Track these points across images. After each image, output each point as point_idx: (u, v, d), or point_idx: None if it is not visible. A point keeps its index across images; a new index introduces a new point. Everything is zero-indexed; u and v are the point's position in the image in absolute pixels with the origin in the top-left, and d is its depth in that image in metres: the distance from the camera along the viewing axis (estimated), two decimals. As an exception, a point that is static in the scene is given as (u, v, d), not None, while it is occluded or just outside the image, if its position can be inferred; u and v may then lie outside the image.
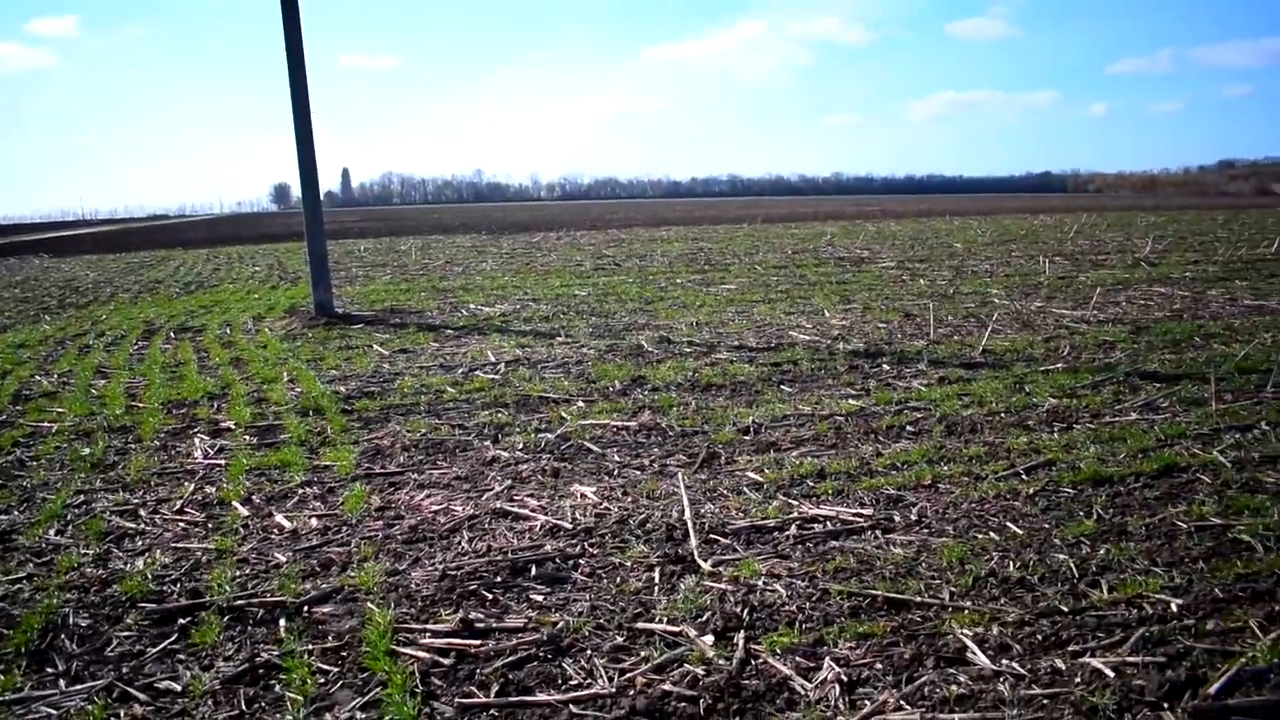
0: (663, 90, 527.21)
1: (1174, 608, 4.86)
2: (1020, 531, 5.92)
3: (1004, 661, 4.39)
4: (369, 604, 5.17)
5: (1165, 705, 3.94)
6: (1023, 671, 4.28)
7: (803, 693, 4.20)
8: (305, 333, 15.07)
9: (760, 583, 5.29)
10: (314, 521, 6.56)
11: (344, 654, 4.67)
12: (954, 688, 4.17)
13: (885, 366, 10.91)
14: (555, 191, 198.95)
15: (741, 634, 4.69)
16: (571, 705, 4.17)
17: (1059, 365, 10.65)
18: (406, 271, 25.32)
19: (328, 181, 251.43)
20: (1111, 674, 4.21)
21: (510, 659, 4.57)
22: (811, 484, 6.89)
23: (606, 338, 13.36)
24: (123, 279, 27.11)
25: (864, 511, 6.28)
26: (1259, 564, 5.37)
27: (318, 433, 8.86)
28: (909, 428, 8.32)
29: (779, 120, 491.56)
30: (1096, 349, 11.73)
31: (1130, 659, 4.33)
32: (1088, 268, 22.30)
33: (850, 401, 9.23)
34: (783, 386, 10.06)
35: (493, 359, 11.99)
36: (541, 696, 4.24)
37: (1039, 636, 4.61)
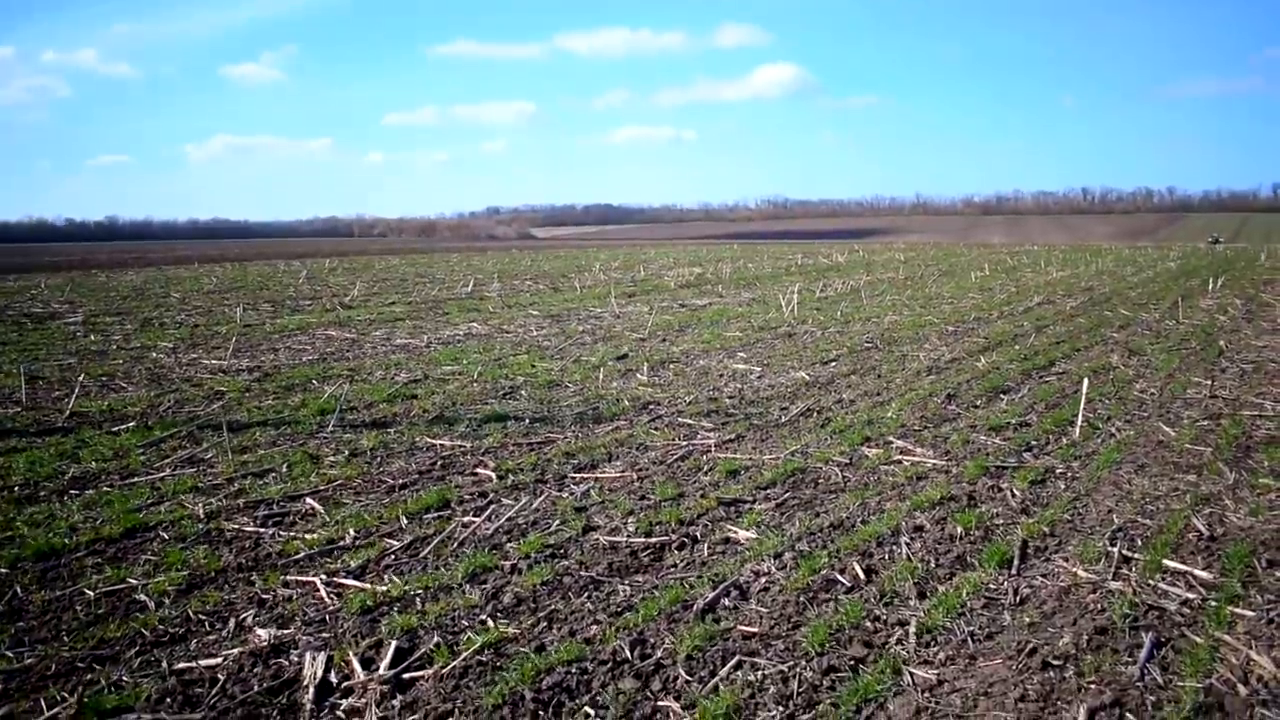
0: None
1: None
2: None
3: None
4: None
5: None
6: None
7: None
8: None
9: None
10: None
11: None
12: None
13: (-64, 443, 9.62)
14: None
15: None
16: None
17: (133, 423, 10.27)
18: None
19: None
20: None
21: None
22: None
23: None
24: None
25: None
26: (139, 620, 5.34)
27: None
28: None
29: (33, 159, 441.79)
30: (203, 400, 11.62)
31: None
32: (286, 313, 22.64)
33: None
34: None
35: None
36: None
37: None
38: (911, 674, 4.65)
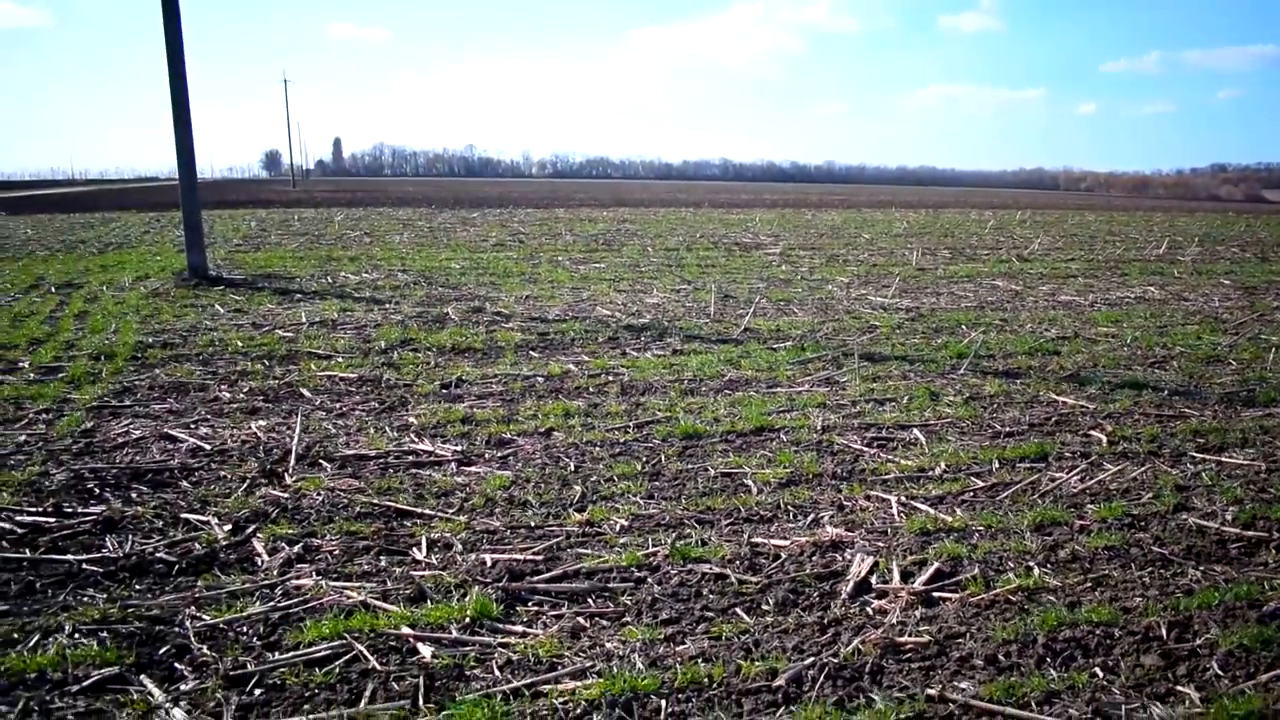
0: (650, 73, 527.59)
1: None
2: (573, 466, 6.98)
3: (437, 555, 5.43)
4: None
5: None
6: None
7: (260, 563, 5.30)
8: (169, 292, 16.04)
9: (313, 491, 6.37)
10: (21, 437, 7.61)
11: None
12: (408, 570, 5.25)
13: (643, 339, 11.93)
14: (546, 169, 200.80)
15: (255, 525, 5.79)
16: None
17: (790, 343, 11.68)
18: (318, 241, 26.25)
19: (319, 150, 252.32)
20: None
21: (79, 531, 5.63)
22: (446, 427, 7.95)
23: (428, 306, 14.36)
24: (53, 237, 28.03)
25: (455, 448, 7.34)
26: (740, 500, 6.41)
27: (93, 373, 9.87)
28: (589, 389, 9.35)
29: (769, 107, 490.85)
30: (856, 331, 12.74)
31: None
32: (961, 261, 23.25)
33: (569, 366, 10.26)
34: (532, 352, 11.09)
35: (304, 320, 12.99)
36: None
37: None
38: None
